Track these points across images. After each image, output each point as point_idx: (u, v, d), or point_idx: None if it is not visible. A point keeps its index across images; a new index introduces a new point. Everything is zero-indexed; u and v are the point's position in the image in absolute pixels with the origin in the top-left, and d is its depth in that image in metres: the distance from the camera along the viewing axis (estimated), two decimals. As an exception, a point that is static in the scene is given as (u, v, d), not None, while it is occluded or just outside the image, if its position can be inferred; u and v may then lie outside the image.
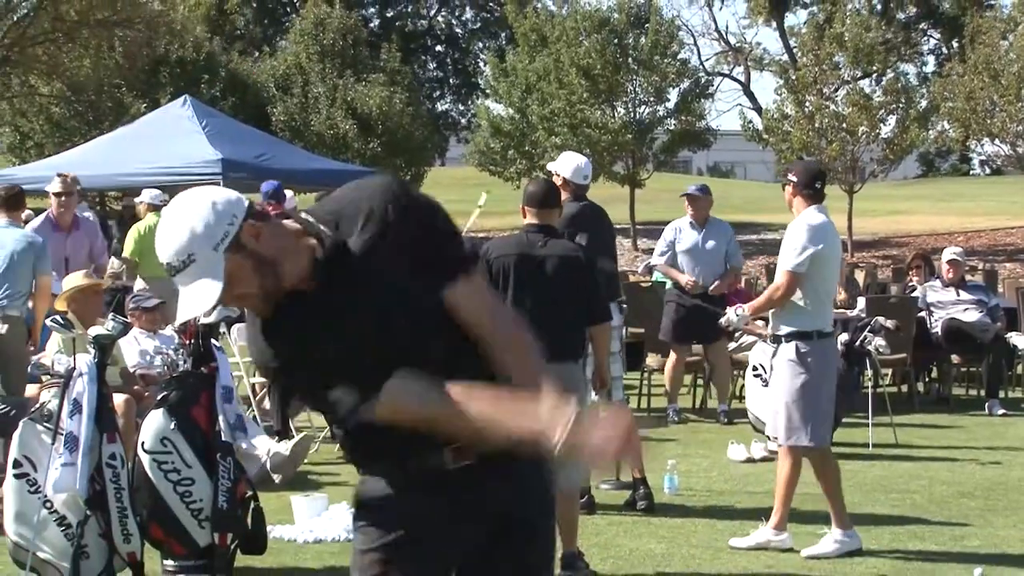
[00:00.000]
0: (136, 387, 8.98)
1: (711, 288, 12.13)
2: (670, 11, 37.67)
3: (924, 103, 33.12)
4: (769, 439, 10.67)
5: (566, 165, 8.98)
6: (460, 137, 48.54)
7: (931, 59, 56.05)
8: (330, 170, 21.91)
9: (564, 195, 8.75)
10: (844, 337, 10.92)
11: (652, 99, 35.37)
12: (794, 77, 32.07)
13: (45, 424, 6.48)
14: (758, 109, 44.60)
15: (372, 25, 47.27)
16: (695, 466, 9.95)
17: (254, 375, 11.75)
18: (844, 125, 30.40)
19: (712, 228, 12.42)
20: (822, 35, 32.04)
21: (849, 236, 30.68)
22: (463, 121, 48.72)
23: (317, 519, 7.86)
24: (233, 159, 18.56)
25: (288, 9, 49.24)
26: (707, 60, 51.75)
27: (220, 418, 7.01)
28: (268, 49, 44.30)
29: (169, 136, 19.47)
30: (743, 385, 12.05)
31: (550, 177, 9.01)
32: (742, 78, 62.06)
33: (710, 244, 12.31)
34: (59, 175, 12.09)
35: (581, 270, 7.16)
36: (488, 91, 40.97)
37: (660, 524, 8.19)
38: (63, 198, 11.60)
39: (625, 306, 11.20)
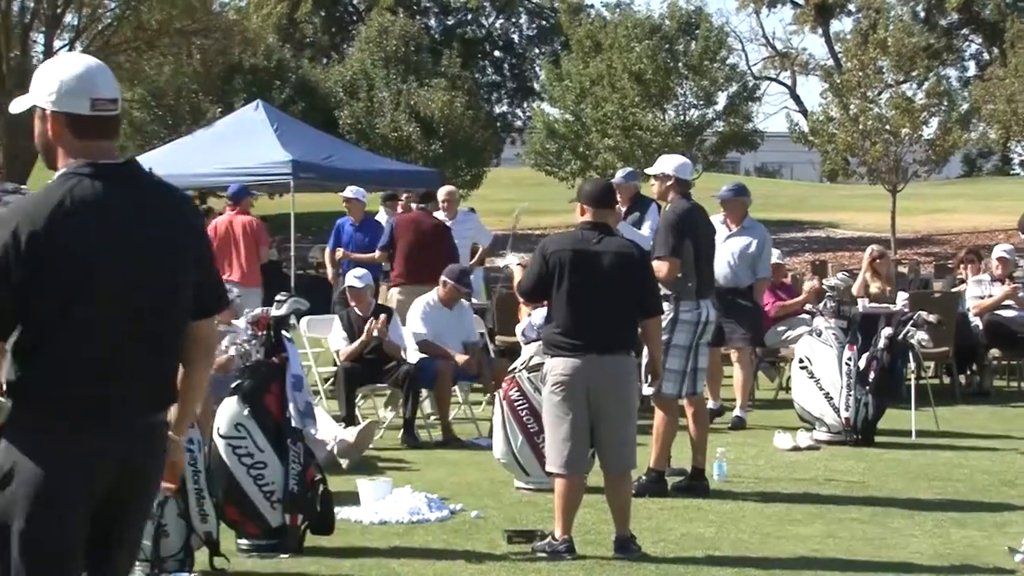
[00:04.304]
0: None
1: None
2: (719, 18, 37.51)
3: (965, 106, 32.75)
4: (814, 428, 10.63)
5: (671, 163, 8.85)
6: (515, 139, 48.50)
7: (972, 63, 55.36)
8: (394, 170, 21.98)
9: (671, 195, 8.73)
10: (888, 331, 10.82)
11: (701, 102, 35.27)
12: (839, 81, 31.82)
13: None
14: (804, 112, 44.28)
15: (434, 32, 47.31)
16: (743, 454, 9.89)
17: (323, 365, 11.83)
18: (887, 127, 30.12)
19: (746, 230, 11.58)
20: (866, 41, 31.76)
21: (892, 233, 30.41)
22: (518, 124, 48.68)
23: (382, 502, 7.88)
24: (303, 160, 18.65)
25: (354, 18, 49.39)
26: (754, 65, 51.50)
27: (290, 405, 7.06)
28: (336, 56, 44.48)
29: (243, 139, 19.59)
30: (789, 377, 11.96)
31: (605, 180, 8.97)
32: (788, 82, 61.64)
33: (740, 246, 11.44)
34: None
35: (635, 265, 7.15)
36: (544, 95, 40.93)
37: (710, 509, 8.15)
38: None
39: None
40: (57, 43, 30.79)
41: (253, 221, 13.40)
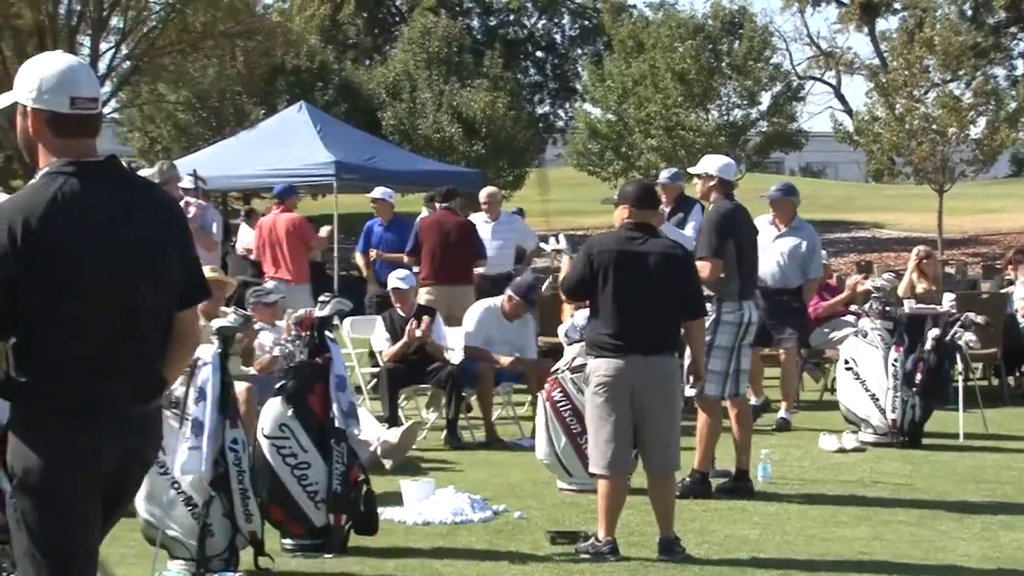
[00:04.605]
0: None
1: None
2: (763, 18, 37.30)
3: (1013, 105, 32.45)
4: (859, 430, 10.56)
5: (715, 163, 8.81)
6: (557, 139, 48.46)
7: (1020, 62, 54.82)
8: (436, 171, 22.01)
9: (714, 195, 8.70)
10: (935, 332, 10.74)
11: (745, 102, 35.15)
12: (885, 80, 31.60)
13: (172, 410, 6.57)
14: (849, 111, 43.98)
15: (476, 33, 47.35)
16: (788, 456, 9.83)
17: (365, 366, 11.86)
18: (934, 126, 29.90)
19: (795, 230, 11.42)
20: (912, 39, 31.54)
21: (939, 234, 30.18)
22: (560, 124, 48.64)
23: (425, 502, 7.89)
24: (346, 161, 18.72)
25: (397, 19, 49.51)
26: (799, 64, 51.19)
27: (334, 406, 7.08)
28: (378, 57, 44.60)
29: (286, 140, 19.69)
30: (835, 378, 11.88)
31: (646, 180, 8.94)
32: (833, 81, 61.23)
33: (790, 246, 11.30)
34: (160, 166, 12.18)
35: (679, 266, 7.14)
36: (586, 95, 40.89)
37: (754, 511, 8.11)
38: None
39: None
40: (103, 45, 31.03)
41: (297, 219, 13.47)
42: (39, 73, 3.75)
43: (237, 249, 16.30)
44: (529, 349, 11.07)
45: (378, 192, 14.24)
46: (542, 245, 8.50)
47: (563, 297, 7.59)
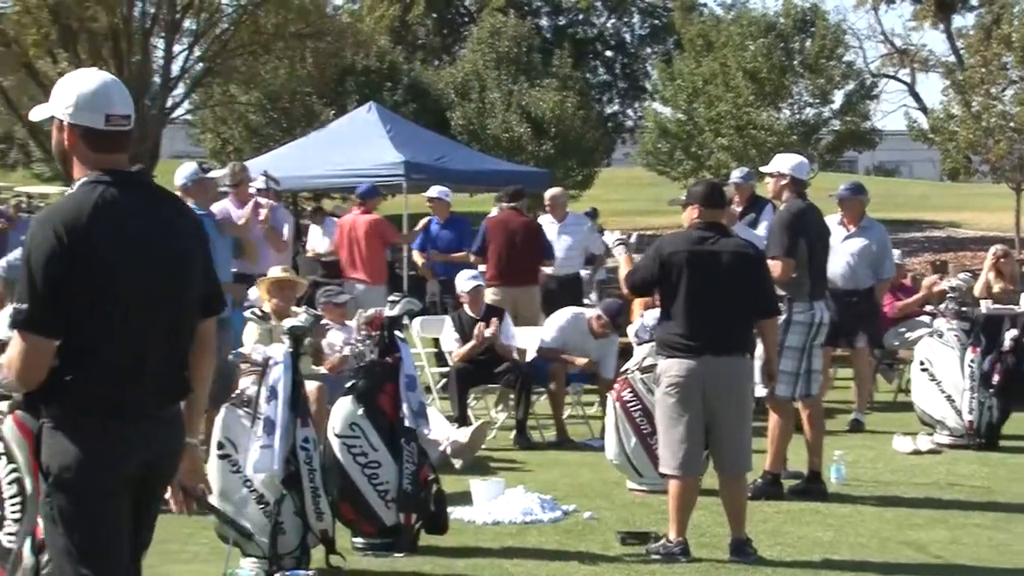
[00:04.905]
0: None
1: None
2: (836, 15, 36.92)
3: (1094, 101, 31.85)
4: (935, 432, 10.44)
5: (787, 162, 8.76)
6: (626, 139, 48.32)
7: (1100, 58, 53.89)
8: (505, 171, 22.00)
9: (785, 194, 8.65)
10: (1012, 332, 10.59)
11: (817, 101, 34.81)
12: (961, 78, 31.19)
13: (245, 409, 6.65)
14: (924, 109, 43.47)
15: (545, 32, 47.31)
16: (861, 457, 9.74)
17: (435, 365, 11.90)
18: (1012, 124, 29.44)
19: (864, 230, 11.21)
20: (989, 36, 31.08)
21: (1016, 233, 29.71)
22: (629, 124, 48.49)
23: (495, 502, 7.91)
24: (415, 161, 18.77)
25: (466, 19, 49.61)
26: (872, 62, 50.62)
27: (404, 405, 7.12)
28: (447, 57, 44.72)
29: (356, 140, 19.77)
30: (909, 379, 11.76)
31: (713, 180, 8.90)
32: (908, 79, 60.54)
33: (859, 246, 11.11)
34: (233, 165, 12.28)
35: (752, 265, 7.10)
36: (655, 95, 40.72)
37: (828, 513, 8.04)
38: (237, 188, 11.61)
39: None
40: (176, 48, 31.41)
41: (376, 220, 13.58)
42: (76, 89, 3.90)
43: (308, 251, 16.40)
44: (608, 367, 10.84)
45: (434, 191, 14.31)
46: (605, 238, 8.46)
47: (624, 290, 7.56)
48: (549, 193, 14.00)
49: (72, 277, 3.75)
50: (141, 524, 4.01)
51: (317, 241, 16.28)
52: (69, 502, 3.79)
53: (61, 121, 3.91)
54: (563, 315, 11.07)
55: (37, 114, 4.03)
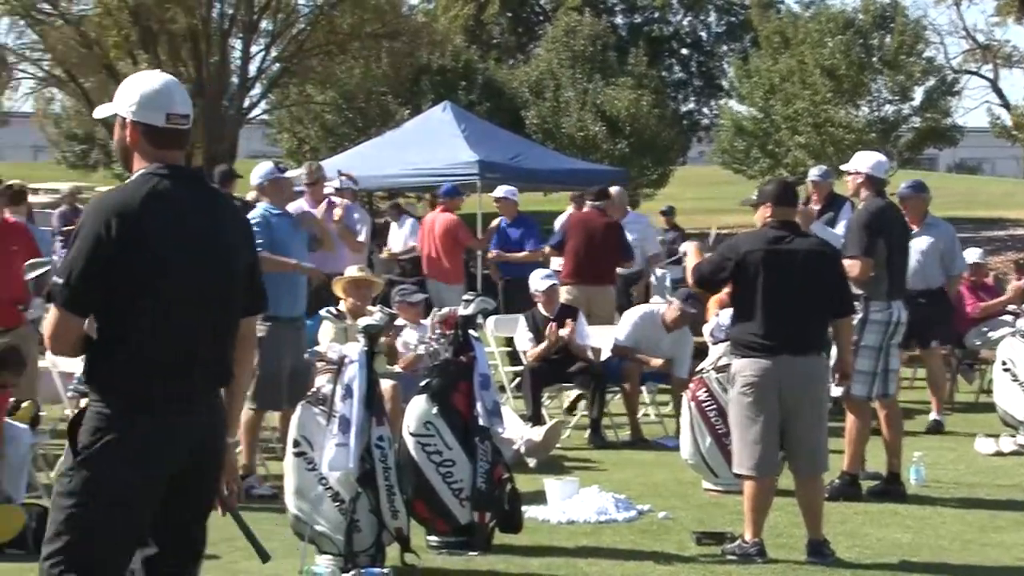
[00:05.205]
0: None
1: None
2: (916, 11, 36.46)
3: None
4: (1018, 433, 10.27)
5: (866, 161, 8.69)
6: (702, 137, 48.06)
7: None
8: (580, 170, 21.99)
9: (864, 192, 8.57)
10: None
11: (897, 98, 34.43)
12: (1044, 73, 30.71)
13: (320, 407, 6.69)
14: (1007, 106, 42.77)
15: (620, 31, 47.15)
16: (942, 458, 9.61)
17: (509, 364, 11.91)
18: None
19: (929, 227, 10.95)
20: (1073, 30, 30.57)
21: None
22: (705, 122, 48.21)
23: (569, 501, 7.90)
24: (489, 160, 18.81)
25: (541, 18, 49.59)
26: (954, 58, 49.77)
27: (478, 404, 7.13)
28: (522, 56, 44.72)
29: (431, 140, 19.86)
30: (991, 379, 11.58)
31: (783, 178, 8.82)
32: (990, 75, 59.64)
33: (926, 244, 10.82)
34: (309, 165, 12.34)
35: (828, 264, 7.06)
36: (732, 92, 40.47)
37: (907, 514, 7.95)
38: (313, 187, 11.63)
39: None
40: (253, 48, 31.72)
41: (451, 220, 13.68)
42: (140, 89, 4.07)
43: (388, 250, 16.42)
44: (682, 366, 10.74)
45: (500, 191, 14.35)
46: (710, 235, 8.45)
47: (689, 281, 7.49)
48: (610, 191, 13.96)
49: (114, 266, 3.89)
50: (187, 519, 4.09)
51: (395, 239, 16.37)
52: (88, 482, 3.90)
53: (124, 119, 4.07)
54: (635, 312, 11.05)
55: (101, 112, 4.21)
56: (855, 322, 8.17)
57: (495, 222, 14.20)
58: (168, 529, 4.07)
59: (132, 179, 4.05)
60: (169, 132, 4.05)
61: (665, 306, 11.04)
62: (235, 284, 4.13)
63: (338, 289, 9.12)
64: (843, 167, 9.02)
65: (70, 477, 3.94)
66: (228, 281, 4.10)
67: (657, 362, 10.69)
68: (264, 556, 4.52)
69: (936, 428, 10.91)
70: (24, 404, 7.70)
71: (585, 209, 13.28)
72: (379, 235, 16.89)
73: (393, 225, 17.09)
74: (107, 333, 3.95)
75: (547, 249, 12.89)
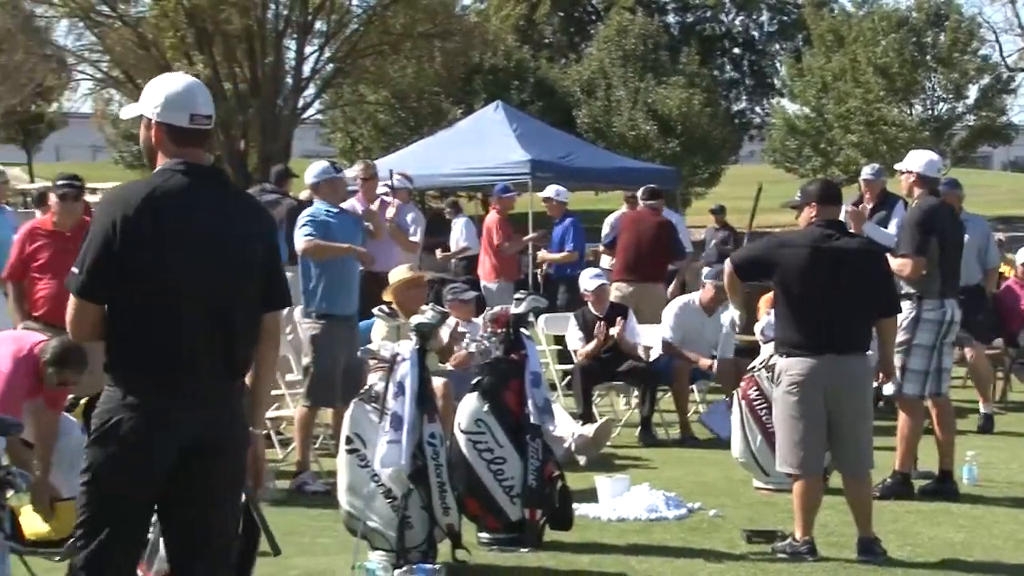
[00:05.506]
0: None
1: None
2: (970, 8, 35.98)
3: None
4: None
5: (918, 161, 8.63)
6: (753, 136, 47.86)
7: None
8: (631, 169, 21.96)
9: (916, 191, 8.51)
10: None
11: (951, 96, 34.16)
12: (1100, 70, 30.32)
13: (373, 404, 6.72)
14: (1061, 103, 42.28)
15: (672, 30, 47.03)
16: (994, 458, 9.52)
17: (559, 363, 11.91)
18: None
19: (965, 223, 10.44)
20: None
21: None
22: (756, 121, 48.02)
23: (619, 498, 7.89)
24: (541, 159, 18.83)
25: (593, 17, 49.55)
26: (1009, 56, 49.31)
27: (529, 402, 7.13)
28: (574, 56, 44.70)
29: (482, 139, 19.90)
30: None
31: (825, 178, 8.75)
32: (1045, 73, 58.94)
33: (964, 240, 10.29)
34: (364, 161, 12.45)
35: (873, 263, 7.03)
36: (784, 91, 40.27)
37: (959, 513, 7.88)
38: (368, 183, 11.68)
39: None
40: (307, 49, 31.93)
41: (498, 220, 13.81)
42: (164, 91, 4.18)
43: (452, 247, 16.47)
44: (727, 347, 10.91)
45: (549, 191, 14.39)
46: None
47: (727, 266, 7.38)
48: (642, 190, 13.98)
49: (119, 260, 4.02)
50: (200, 504, 4.13)
51: (453, 238, 16.45)
52: (92, 461, 4.07)
53: (149, 120, 4.18)
54: (673, 306, 11.07)
55: (127, 113, 4.31)
56: (908, 321, 8.16)
57: (543, 232, 14.32)
58: (174, 527, 4.16)
59: (150, 176, 4.17)
60: (192, 132, 4.15)
61: (697, 293, 11.08)
62: (246, 280, 4.17)
63: (389, 292, 9.13)
64: (896, 166, 8.96)
65: (85, 455, 4.10)
66: (238, 278, 4.15)
67: (706, 362, 10.68)
68: (276, 550, 4.54)
69: (987, 424, 10.79)
70: (82, 401, 7.79)
71: (638, 208, 13.31)
72: (443, 232, 16.92)
73: (456, 222, 17.15)
74: (115, 322, 4.08)
75: (601, 248, 12.95)
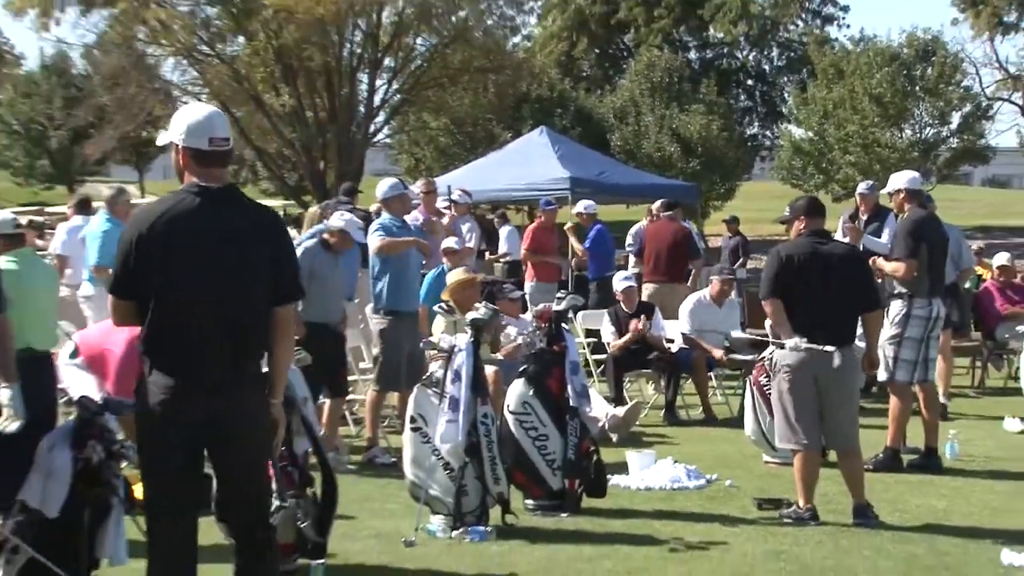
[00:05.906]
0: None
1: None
2: (955, 45, 35.47)
3: None
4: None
5: (902, 179, 8.57)
6: (764, 156, 47.57)
7: None
8: (658, 184, 21.83)
9: (907, 205, 8.45)
10: None
11: (936, 121, 33.83)
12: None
13: (433, 389, 6.75)
14: (1034, 127, 41.74)
15: (694, 64, 46.79)
16: (973, 436, 9.44)
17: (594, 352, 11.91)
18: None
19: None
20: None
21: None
22: (767, 144, 47.73)
23: (647, 471, 7.89)
24: (579, 177, 18.76)
25: (625, 53, 49.38)
26: (988, 87, 48.75)
27: (569, 387, 7.14)
28: (608, 87, 44.58)
29: (529, 159, 19.86)
30: (1018, 367, 11.33)
31: (810, 195, 8.75)
32: (1020, 102, 58.25)
33: None
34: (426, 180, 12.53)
35: (858, 265, 7.02)
36: (791, 118, 40.01)
37: (942, 484, 7.83)
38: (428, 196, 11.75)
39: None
40: (378, 82, 31.99)
41: (531, 228, 13.98)
42: (187, 120, 4.24)
43: (501, 252, 16.54)
44: (735, 329, 11.03)
45: (579, 206, 14.37)
46: None
47: (766, 307, 7.26)
48: (658, 203, 13.99)
49: (134, 274, 4.14)
50: (226, 465, 4.24)
51: (503, 244, 16.54)
52: (146, 437, 4.23)
53: (177, 145, 4.23)
54: (687, 303, 11.11)
55: (161, 140, 4.35)
56: (900, 316, 8.13)
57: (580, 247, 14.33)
58: (218, 479, 4.32)
59: (170, 194, 4.28)
60: (212, 154, 4.19)
61: (707, 288, 11.16)
62: (252, 284, 4.21)
63: (446, 294, 9.15)
64: (884, 191, 8.91)
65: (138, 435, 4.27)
66: (245, 283, 4.19)
67: (719, 352, 10.69)
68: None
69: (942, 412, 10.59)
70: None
71: (644, 221, 13.50)
72: (493, 240, 16.99)
73: (504, 231, 17.24)
74: (142, 315, 4.18)
75: (633, 259, 13.15)
